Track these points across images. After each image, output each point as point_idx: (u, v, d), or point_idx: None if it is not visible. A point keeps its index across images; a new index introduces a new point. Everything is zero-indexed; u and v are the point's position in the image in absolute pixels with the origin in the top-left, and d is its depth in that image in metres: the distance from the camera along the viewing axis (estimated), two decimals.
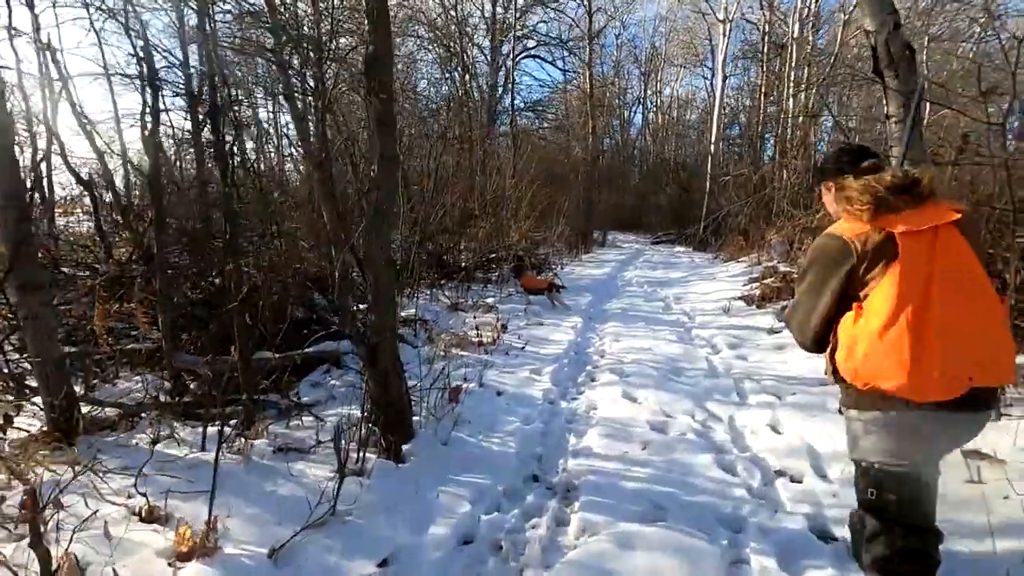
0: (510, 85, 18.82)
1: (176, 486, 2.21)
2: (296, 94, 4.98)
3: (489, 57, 17.66)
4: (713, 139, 15.10)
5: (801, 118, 13.54)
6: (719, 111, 15.22)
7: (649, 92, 27.82)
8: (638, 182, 26.97)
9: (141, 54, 3.63)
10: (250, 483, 2.39)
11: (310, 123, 5.16)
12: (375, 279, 2.82)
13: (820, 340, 1.60)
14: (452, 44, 17.57)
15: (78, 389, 3.10)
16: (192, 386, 3.72)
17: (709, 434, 3.17)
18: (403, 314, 5.54)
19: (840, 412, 1.64)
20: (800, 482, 2.57)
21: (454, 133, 9.49)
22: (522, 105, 20.87)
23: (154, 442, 2.70)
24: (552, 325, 5.73)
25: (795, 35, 14.09)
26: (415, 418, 3.10)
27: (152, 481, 2.25)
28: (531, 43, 18.84)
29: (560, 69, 19.48)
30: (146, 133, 3.94)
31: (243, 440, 2.77)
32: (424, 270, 7.25)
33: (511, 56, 18.74)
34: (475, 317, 5.81)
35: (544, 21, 21.91)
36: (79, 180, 5.40)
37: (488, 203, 7.84)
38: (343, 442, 2.41)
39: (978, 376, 1.36)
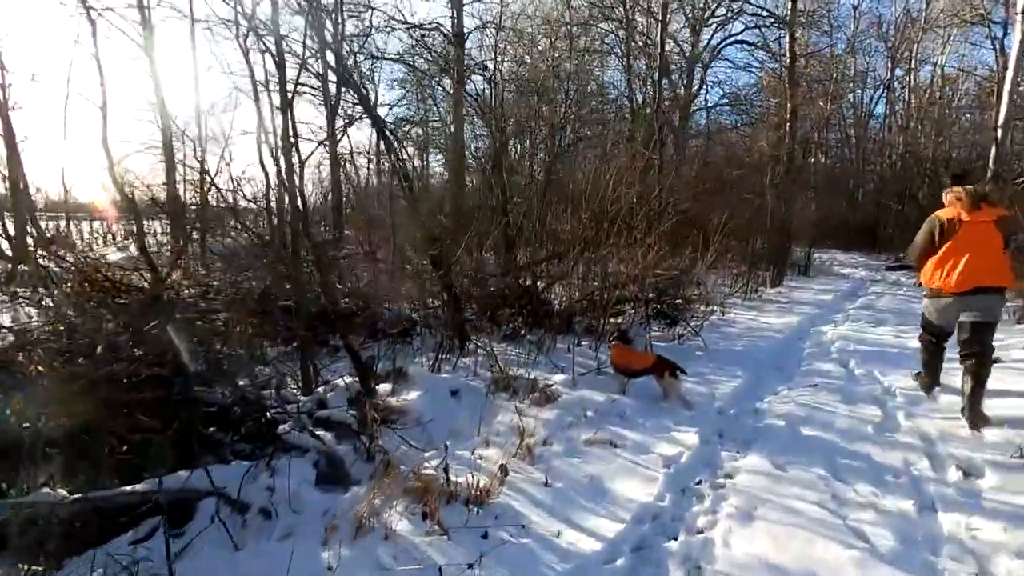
0: (704, 78, 15.75)
1: None
2: None
3: (688, 48, 14.92)
4: (1000, 120, 10.04)
5: None
6: (1013, 80, 10.09)
7: (899, 72, 21.45)
8: (876, 185, 20.96)
9: None
10: None
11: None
12: None
13: (920, 263, 3.67)
14: (639, 37, 15.25)
15: None
16: None
17: None
18: (395, 401, 3.57)
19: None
20: None
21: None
22: (720, 99, 17.51)
23: None
24: (632, 450, 3.18)
25: None
26: None
27: None
28: (737, 27, 15.42)
29: (771, 53, 15.51)
30: None
31: None
32: (485, 319, 5.23)
33: (707, 49, 15.64)
34: (516, 413, 3.56)
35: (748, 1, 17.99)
36: None
37: (589, 224, 5.43)
38: None
39: (980, 282, 3.36)
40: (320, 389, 3.73)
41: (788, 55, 9.78)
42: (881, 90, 22.02)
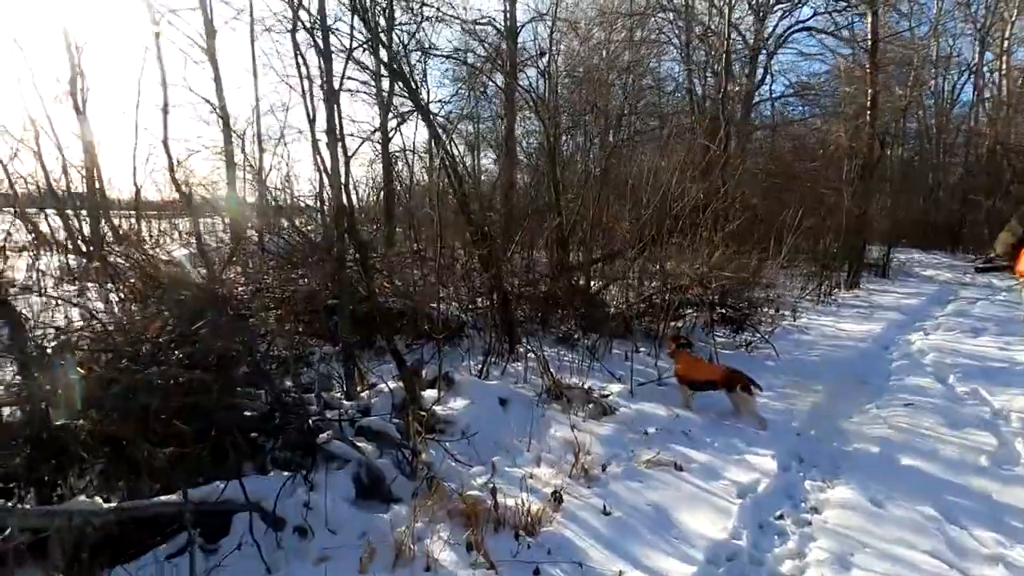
0: (768, 67, 14.84)
1: None
2: None
3: (751, 36, 14.08)
4: None
5: None
6: None
7: (988, 56, 19.66)
8: (959, 179, 19.38)
9: None
10: None
11: None
12: None
13: (1009, 253, 3.45)
14: (699, 26, 14.53)
15: None
16: None
17: None
18: (439, 410, 3.37)
19: None
20: None
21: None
22: (786, 89, 16.45)
23: None
24: (701, 475, 2.84)
25: None
26: None
27: None
28: (806, 11, 14.40)
29: (842, 39, 14.36)
30: None
31: None
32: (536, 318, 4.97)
33: (771, 38, 14.76)
34: (570, 427, 3.27)
35: None
36: None
37: (650, 222, 5.05)
38: None
39: None
40: (364, 394, 3.59)
41: (870, 37, 8.95)
42: (967, 76, 20.26)
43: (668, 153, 6.88)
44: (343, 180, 3.41)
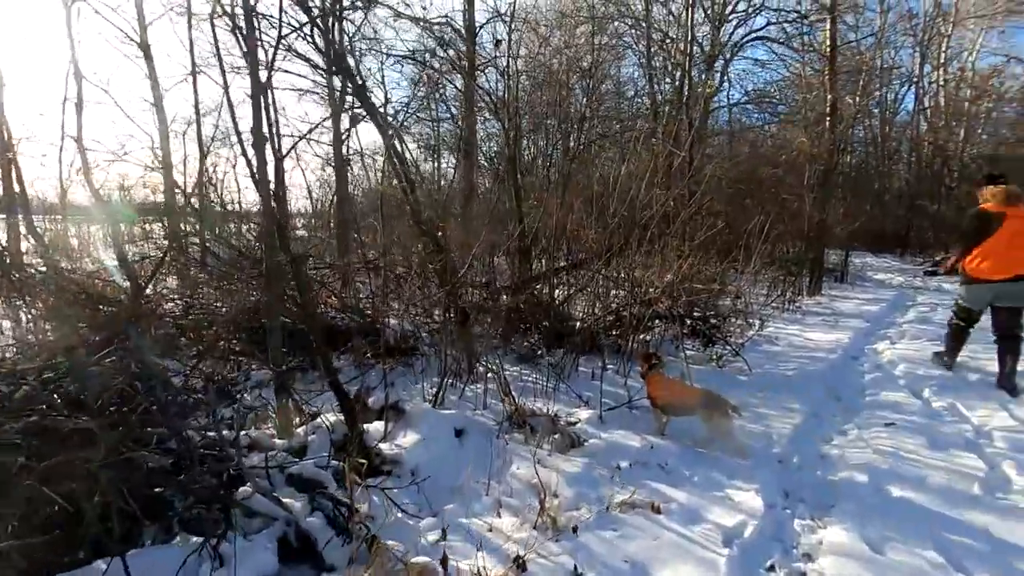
0: (724, 72, 14.94)
1: None
2: None
3: (707, 45, 14.13)
4: None
5: None
6: None
7: (927, 68, 20.50)
8: (904, 184, 20.16)
9: None
10: None
11: None
12: None
13: (964, 251, 4.28)
14: (657, 32, 14.54)
15: None
16: None
17: None
18: (385, 448, 2.96)
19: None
20: None
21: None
22: (742, 96, 16.62)
23: None
24: (681, 518, 2.52)
25: None
26: None
27: None
28: (759, 21, 14.56)
29: (794, 49, 14.63)
30: None
31: None
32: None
33: (728, 46, 14.87)
34: (534, 463, 2.91)
35: None
36: None
37: (617, 230, 4.77)
38: None
39: (1019, 270, 4.02)
40: (300, 430, 3.14)
41: (828, 44, 9.02)
42: (908, 86, 21.07)
43: (633, 158, 6.64)
44: (272, 185, 2.97)
